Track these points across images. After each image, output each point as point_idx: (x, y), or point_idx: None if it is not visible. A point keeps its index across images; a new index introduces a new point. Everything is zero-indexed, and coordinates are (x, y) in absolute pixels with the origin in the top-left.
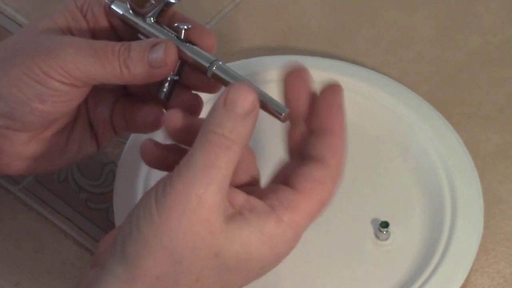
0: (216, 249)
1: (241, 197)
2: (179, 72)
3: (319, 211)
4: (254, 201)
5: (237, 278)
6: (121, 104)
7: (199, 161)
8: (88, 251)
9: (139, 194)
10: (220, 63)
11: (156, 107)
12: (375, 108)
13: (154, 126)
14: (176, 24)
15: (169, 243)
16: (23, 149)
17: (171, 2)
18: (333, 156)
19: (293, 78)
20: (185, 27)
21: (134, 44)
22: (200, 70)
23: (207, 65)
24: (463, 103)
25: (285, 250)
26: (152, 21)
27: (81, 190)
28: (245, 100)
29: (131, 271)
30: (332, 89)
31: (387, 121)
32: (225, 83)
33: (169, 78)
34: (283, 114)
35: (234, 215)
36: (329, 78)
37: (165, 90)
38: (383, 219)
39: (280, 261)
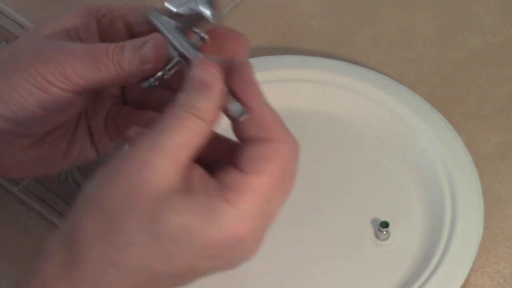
0: (153, 213)
1: (198, 172)
2: (169, 72)
3: (278, 190)
4: (209, 180)
5: (182, 255)
6: (114, 112)
7: (151, 131)
8: None
9: None
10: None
11: (150, 117)
12: (375, 108)
13: None
14: (196, 31)
15: (103, 198)
16: (24, 154)
17: (206, 19)
18: (270, 130)
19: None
20: (202, 35)
21: (128, 43)
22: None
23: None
24: (463, 103)
25: (237, 233)
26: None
27: (81, 190)
28: (202, 72)
29: (72, 229)
30: (240, 63)
31: (387, 121)
32: None
33: (159, 74)
34: (241, 116)
35: (187, 188)
36: (329, 78)
37: (151, 80)
38: (383, 219)
39: (236, 250)
